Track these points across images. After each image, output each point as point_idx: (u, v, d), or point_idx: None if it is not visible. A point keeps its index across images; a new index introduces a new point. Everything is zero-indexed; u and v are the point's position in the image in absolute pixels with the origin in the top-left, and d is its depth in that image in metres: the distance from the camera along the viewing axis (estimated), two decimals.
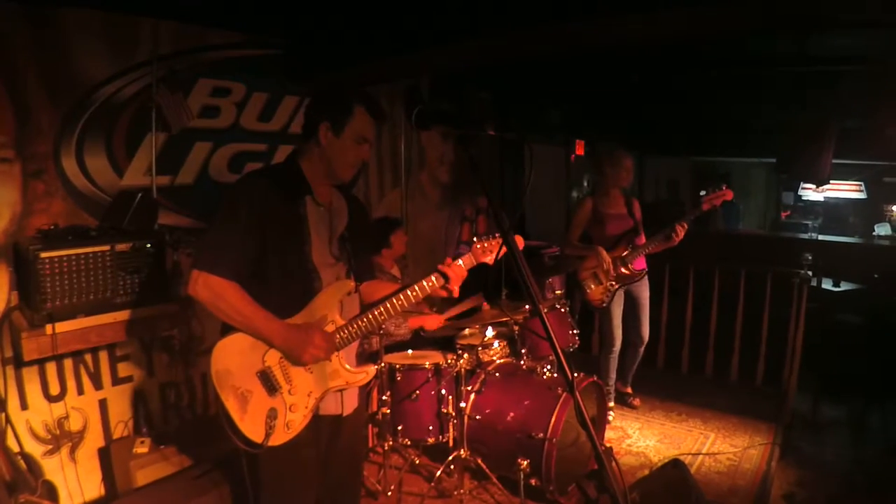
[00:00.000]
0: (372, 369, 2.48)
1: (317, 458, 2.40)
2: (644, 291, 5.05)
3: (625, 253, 4.83)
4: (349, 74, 4.27)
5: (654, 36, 3.35)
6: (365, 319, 2.37)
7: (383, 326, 3.36)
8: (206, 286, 2.15)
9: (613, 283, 4.85)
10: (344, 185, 2.53)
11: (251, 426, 2.20)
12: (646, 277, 5.02)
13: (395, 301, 2.37)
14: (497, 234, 2.41)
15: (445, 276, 2.38)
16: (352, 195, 2.63)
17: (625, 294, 4.99)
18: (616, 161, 4.93)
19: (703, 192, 4.86)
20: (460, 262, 2.40)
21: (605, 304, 4.89)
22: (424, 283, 2.39)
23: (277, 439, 2.23)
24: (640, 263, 4.92)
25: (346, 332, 2.34)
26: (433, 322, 4.18)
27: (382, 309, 2.37)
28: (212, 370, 2.21)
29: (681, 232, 4.64)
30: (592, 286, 4.92)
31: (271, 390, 2.24)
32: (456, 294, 2.45)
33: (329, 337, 2.29)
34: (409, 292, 2.38)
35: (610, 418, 4.96)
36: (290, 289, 2.29)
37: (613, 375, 5.15)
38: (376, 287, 2.62)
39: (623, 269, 4.83)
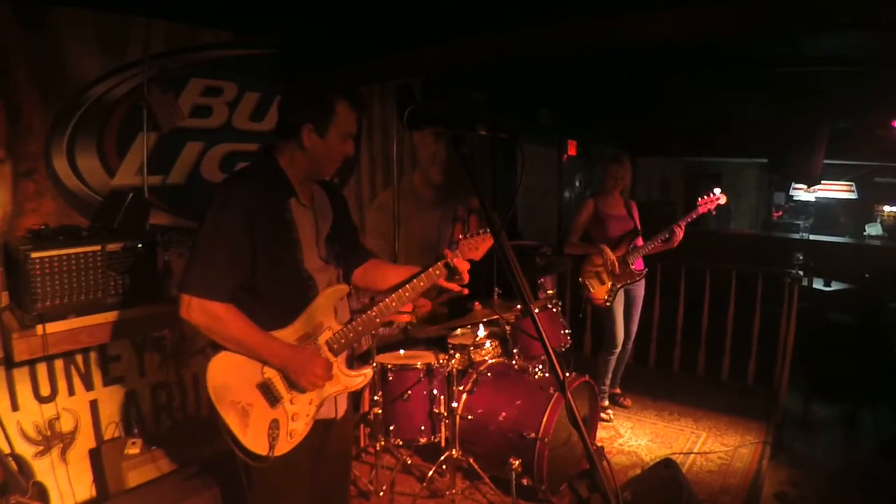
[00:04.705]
0: (369, 371, 2.46)
1: (309, 461, 2.38)
2: (640, 291, 5.13)
3: (624, 253, 4.90)
4: (342, 74, 4.27)
5: (650, 36, 3.35)
6: (360, 323, 2.34)
7: (377, 329, 3.36)
8: (203, 312, 2.09)
9: (616, 282, 4.89)
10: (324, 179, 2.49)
11: (254, 439, 2.16)
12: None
13: (388, 302, 2.36)
14: (482, 231, 2.40)
15: (452, 270, 2.37)
16: (329, 184, 2.56)
17: (624, 293, 5.04)
18: (613, 167, 5.03)
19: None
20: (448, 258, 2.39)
21: (608, 304, 4.92)
22: (417, 283, 2.37)
23: (281, 449, 2.20)
24: (639, 264, 4.99)
25: (343, 337, 2.32)
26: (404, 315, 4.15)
27: (377, 311, 2.35)
28: (208, 387, 2.14)
29: (679, 233, 4.74)
30: (596, 286, 4.97)
31: (273, 401, 2.20)
32: (461, 290, 2.46)
33: (328, 364, 2.25)
34: (401, 292, 2.36)
35: (608, 417, 5.01)
36: (285, 299, 2.24)
37: (611, 376, 5.18)
38: (376, 270, 2.62)
39: (625, 269, 4.87)
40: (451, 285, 2.43)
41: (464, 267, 2.38)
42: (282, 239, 2.22)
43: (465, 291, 2.47)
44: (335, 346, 2.31)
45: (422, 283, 2.38)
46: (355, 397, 4.09)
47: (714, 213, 4.93)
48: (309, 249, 2.29)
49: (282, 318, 2.23)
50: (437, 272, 2.38)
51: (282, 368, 2.20)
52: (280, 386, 2.22)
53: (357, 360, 4.06)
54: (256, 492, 2.29)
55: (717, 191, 4.89)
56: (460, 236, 2.43)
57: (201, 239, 2.14)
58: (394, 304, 2.36)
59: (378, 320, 2.37)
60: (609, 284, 4.91)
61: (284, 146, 2.28)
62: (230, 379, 2.16)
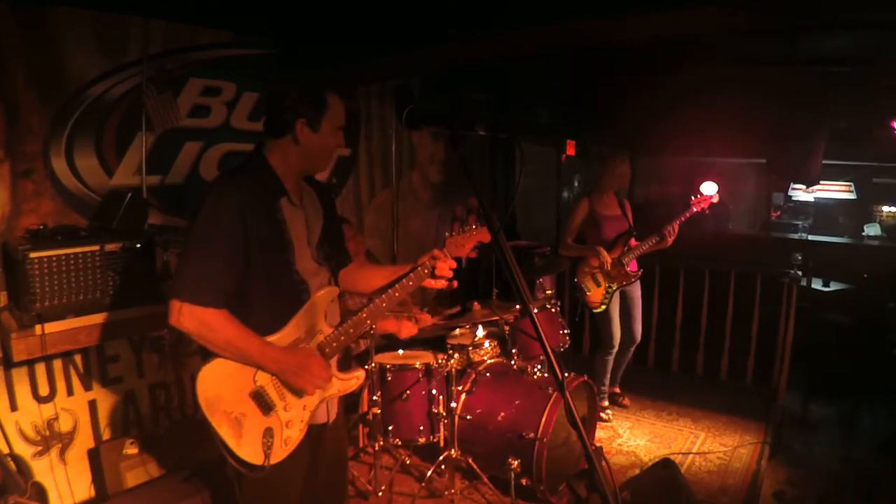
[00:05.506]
0: (361, 373, 2.43)
1: (303, 467, 2.35)
2: (637, 291, 5.08)
3: (619, 254, 4.85)
4: (341, 74, 4.26)
5: (649, 36, 3.36)
6: (351, 325, 2.31)
7: (372, 330, 3.36)
8: (193, 318, 2.02)
9: (612, 284, 4.86)
10: (312, 177, 2.47)
11: (249, 449, 2.11)
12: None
13: (379, 302, 2.33)
14: (467, 228, 2.39)
15: (432, 272, 2.35)
16: (318, 183, 2.52)
17: (620, 295, 5.00)
18: (612, 164, 4.96)
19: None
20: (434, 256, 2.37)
21: (604, 307, 4.89)
22: (406, 282, 2.35)
23: (277, 457, 2.16)
24: (633, 265, 4.94)
25: (335, 341, 2.28)
26: (408, 329, 4.17)
27: (367, 312, 2.31)
28: (200, 398, 2.07)
29: (672, 233, 4.68)
30: (592, 288, 4.91)
31: (266, 410, 2.16)
32: (449, 285, 2.42)
33: (326, 363, 2.23)
34: (391, 292, 2.34)
35: (607, 417, 4.99)
36: (277, 302, 2.19)
37: (609, 377, 5.15)
38: (358, 272, 2.59)
39: (621, 270, 4.83)
40: (439, 283, 2.40)
41: (445, 268, 2.36)
42: (274, 240, 2.17)
43: (455, 284, 2.43)
44: (327, 349, 2.27)
45: (410, 283, 2.36)
46: (354, 398, 4.09)
47: (708, 212, 4.91)
48: (301, 250, 2.26)
49: (274, 322, 2.18)
50: (425, 271, 2.35)
51: (280, 373, 2.16)
52: (273, 393, 2.18)
53: (355, 360, 4.06)
54: (248, 501, 2.26)
55: (711, 189, 4.86)
56: (447, 234, 2.41)
57: (193, 241, 2.08)
58: (384, 304, 2.34)
59: (369, 322, 2.33)
60: (604, 286, 4.87)
61: (275, 144, 2.24)
62: (222, 389, 2.11)
